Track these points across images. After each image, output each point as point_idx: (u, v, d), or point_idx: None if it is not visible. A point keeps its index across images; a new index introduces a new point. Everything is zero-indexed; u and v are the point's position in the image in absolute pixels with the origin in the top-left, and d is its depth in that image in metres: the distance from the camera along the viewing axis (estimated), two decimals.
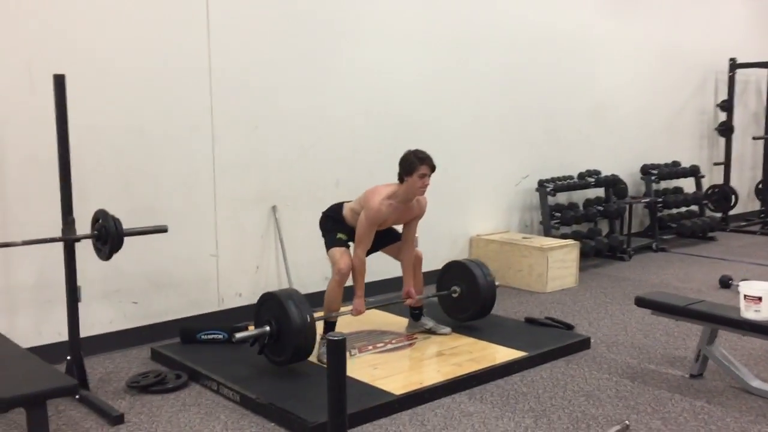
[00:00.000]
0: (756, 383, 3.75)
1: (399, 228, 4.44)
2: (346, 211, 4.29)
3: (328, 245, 4.25)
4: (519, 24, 6.59)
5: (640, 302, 4.17)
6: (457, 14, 6.11)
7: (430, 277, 5.98)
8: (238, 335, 3.86)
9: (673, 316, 4.07)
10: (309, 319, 3.77)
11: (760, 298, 3.62)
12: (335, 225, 4.29)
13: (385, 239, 4.41)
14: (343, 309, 4.26)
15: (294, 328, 3.73)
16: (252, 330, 3.95)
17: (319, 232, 4.41)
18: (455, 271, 4.75)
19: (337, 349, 1.82)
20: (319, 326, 4.03)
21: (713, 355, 3.89)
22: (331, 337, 1.84)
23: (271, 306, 3.88)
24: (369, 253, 4.37)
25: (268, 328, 3.84)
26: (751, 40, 9.21)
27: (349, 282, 4.20)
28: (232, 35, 4.80)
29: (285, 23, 5.06)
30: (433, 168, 4.08)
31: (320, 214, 4.42)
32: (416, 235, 4.46)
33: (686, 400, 3.68)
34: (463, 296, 4.67)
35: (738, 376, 3.79)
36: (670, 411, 3.55)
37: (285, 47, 5.08)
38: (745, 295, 3.68)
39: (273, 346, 3.87)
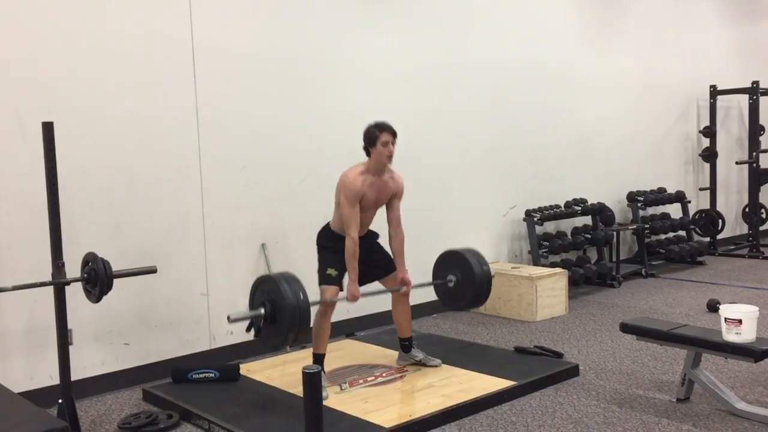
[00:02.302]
0: (741, 405, 3.79)
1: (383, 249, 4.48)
2: (334, 223, 4.35)
3: (319, 279, 4.31)
4: (503, 59, 6.74)
5: (625, 328, 4.23)
6: (441, 51, 6.26)
7: (423, 310, 6.03)
8: (233, 316, 3.81)
9: (657, 341, 4.12)
10: (302, 296, 3.72)
11: (740, 321, 3.68)
12: (326, 255, 4.32)
13: (375, 270, 4.44)
14: (330, 343, 4.31)
15: (288, 307, 3.68)
16: (247, 312, 3.91)
17: (309, 269, 4.49)
18: (450, 261, 4.73)
19: (312, 382, 1.87)
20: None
21: (698, 378, 3.94)
22: (306, 370, 1.90)
23: (265, 288, 3.86)
24: (365, 281, 4.38)
25: (262, 311, 3.80)
26: (730, 67, 9.40)
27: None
28: (218, 79, 4.91)
29: (269, 65, 5.18)
30: (394, 134, 4.23)
31: (312, 246, 4.46)
32: (407, 268, 4.50)
33: (673, 424, 3.72)
34: (458, 285, 4.66)
35: (723, 398, 3.83)
36: None
37: (270, 88, 5.19)
38: (725, 318, 3.74)
39: (268, 329, 3.82)
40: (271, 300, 3.79)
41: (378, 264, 4.45)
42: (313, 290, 4.42)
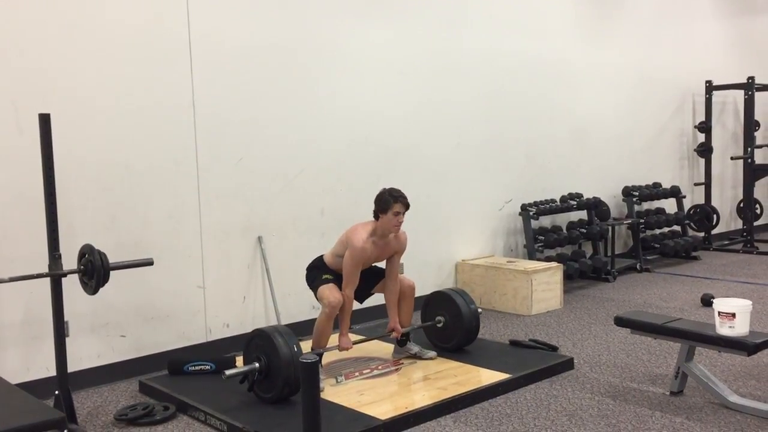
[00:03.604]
0: (734, 398, 3.82)
1: (381, 264, 4.54)
2: (327, 257, 4.42)
3: (316, 287, 4.33)
4: (499, 52, 6.75)
5: (619, 322, 4.25)
6: (437, 44, 6.26)
7: (416, 303, 6.05)
8: (228, 372, 3.86)
9: (651, 335, 4.15)
10: (296, 349, 3.80)
11: (733, 315, 3.71)
12: (320, 271, 4.39)
13: (373, 278, 4.50)
14: (330, 341, 4.36)
15: (283, 362, 3.77)
16: (241, 367, 3.97)
17: (304, 261, 4.52)
18: (438, 301, 4.83)
19: (310, 371, 1.88)
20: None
21: (692, 371, 3.96)
22: (303, 360, 1.91)
23: (260, 342, 3.92)
24: (363, 297, 4.50)
25: (257, 365, 3.87)
26: (726, 63, 9.42)
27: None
28: (215, 70, 4.91)
29: (266, 58, 5.18)
30: (407, 206, 4.23)
31: (308, 239, 4.51)
32: (402, 262, 4.56)
33: (666, 417, 3.75)
34: (447, 326, 4.75)
35: (716, 391, 3.86)
36: (651, 428, 3.61)
37: (266, 81, 5.19)
38: (719, 312, 3.77)
39: (262, 383, 3.90)
40: (266, 354, 3.86)
41: (372, 274, 4.50)
42: (306, 285, 4.47)
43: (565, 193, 7.38)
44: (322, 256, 4.49)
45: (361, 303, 4.58)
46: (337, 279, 4.31)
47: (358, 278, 4.27)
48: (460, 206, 6.55)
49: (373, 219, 4.27)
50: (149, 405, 3.98)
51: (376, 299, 4.80)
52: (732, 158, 9.22)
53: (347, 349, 4.32)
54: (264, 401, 3.91)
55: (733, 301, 3.83)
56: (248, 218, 5.14)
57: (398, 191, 4.22)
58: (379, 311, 5.31)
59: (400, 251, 4.44)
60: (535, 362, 4.53)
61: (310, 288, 4.42)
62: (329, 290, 4.22)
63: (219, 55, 4.93)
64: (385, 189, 4.25)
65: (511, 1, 6.88)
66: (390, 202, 4.16)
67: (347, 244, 4.24)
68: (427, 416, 3.80)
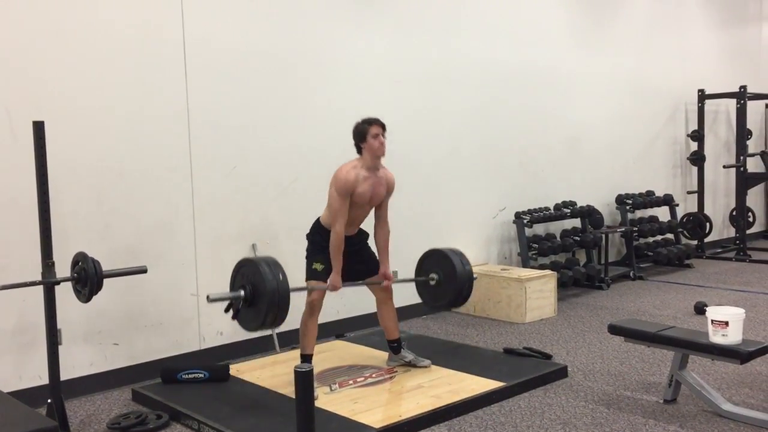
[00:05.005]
0: (727, 406, 3.83)
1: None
2: (323, 218, 4.37)
3: (306, 275, 4.33)
4: (493, 60, 6.77)
5: (613, 330, 4.26)
6: (431, 52, 6.28)
7: (413, 311, 6.03)
8: (212, 296, 3.80)
9: (645, 343, 4.16)
10: (282, 278, 3.74)
11: (726, 323, 3.72)
12: (314, 249, 4.34)
13: (362, 267, 4.45)
14: (318, 340, 4.34)
15: (268, 289, 3.69)
16: (226, 292, 3.91)
17: (299, 270, 4.51)
18: (433, 259, 4.75)
19: (305, 381, 1.88)
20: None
21: (685, 380, 3.97)
22: (298, 369, 1.91)
23: (246, 271, 3.86)
24: (349, 279, 4.35)
25: (242, 293, 3.81)
26: (718, 72, 9.48)
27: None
28: (209, 77, 4.91)
29: (261, 64, 5.19)
30: (383, 126, 4.26)
31: (303, 246, 4.50)
32: (395, 269, 4.54)
33: (660, 425, 3.75)
34: (440, 284, 4.67)
35: (709, 400, 3.87)
36: None
37: (262, 88, 5.20)
38: (712, 320, 3.78)
39: (247, 312, 3.83)
40: (252, 283, 3.80)
41: (364, 263, 4.48)
42: (300, 292, 4.46)
43: (559, 201, 7.40)
44: (319, 218, 4.42)
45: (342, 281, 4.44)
46: (329, 265, 4.26)
47: (347, 211, 4.19)
48: (454, 214, 6.56)
49: (357, 156, 4.29)
50: (142, 413, 3.96)
51: (371, 306, 4.78)
52: (724, 167, 9.27)
53: (336, 288, 4.24)
54: (248, 330, 3.90)
55: (726, 309, 3.84)
56: (242, 225, 5.13)
57: (370, 117, 4.26)
58: (375, 319, 5.31)
59: (391, 190, 4.43)
60: (529, 370, 4.53)
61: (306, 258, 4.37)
62: (314, 286, 4.23)
63: (214, 62, 4.93)
64: (357, 121, 4.28)
65: (505, 10, 6.92)
66: (366, 128, 4.22)
67: (332, 182, 4.23)
68: (421, 424, 3.79)
